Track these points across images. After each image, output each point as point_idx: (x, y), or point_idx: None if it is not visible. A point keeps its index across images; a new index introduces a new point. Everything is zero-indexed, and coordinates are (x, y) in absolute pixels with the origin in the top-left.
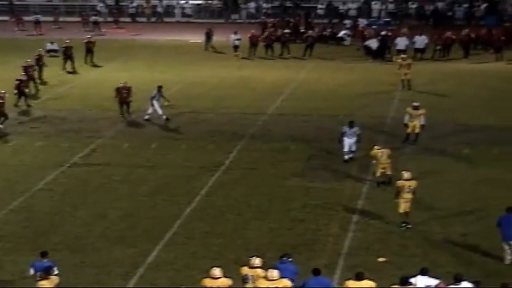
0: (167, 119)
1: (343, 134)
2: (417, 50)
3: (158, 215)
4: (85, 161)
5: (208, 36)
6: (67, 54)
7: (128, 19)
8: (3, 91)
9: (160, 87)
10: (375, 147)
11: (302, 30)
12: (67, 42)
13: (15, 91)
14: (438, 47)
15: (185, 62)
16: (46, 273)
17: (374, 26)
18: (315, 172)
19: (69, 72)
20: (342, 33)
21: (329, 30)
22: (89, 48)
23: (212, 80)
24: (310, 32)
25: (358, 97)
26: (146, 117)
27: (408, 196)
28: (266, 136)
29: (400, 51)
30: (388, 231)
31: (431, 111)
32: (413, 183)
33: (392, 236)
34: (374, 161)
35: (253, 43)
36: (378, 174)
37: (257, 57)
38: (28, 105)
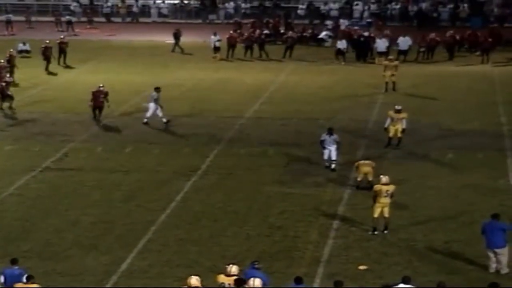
0: (146, 123)
1: (322, 142)
2: (400, 52)
3: (132, 222)
4: (57, 166)
5: (176, 37)
6: (46, 54)
7: (102, 19)
8: None
9: (158, 89)
10: (360, 162)
11: (282, 31)
12: (47, 43)
13: None
14: (422, 49)
15: (161, 63)
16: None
17: (356, 27)
18: (294, 178)
19: (49, 73)
20: (323, 34)
21: (309, 31)
22: (62, 49)
23: (188, 82)
24: (290, 33)
25: (339, 100)
26: (164, 120)
27: (386, 201)
28: (244, 141)
29: (381, 54)
30: (369, 238)
31: (415, 115)
32: (391, 188)
33: (373, 244)
34: (357, 174)
35: (232, 44)
36: (359, 178)
37: (235, 59)
38: (1, 108)
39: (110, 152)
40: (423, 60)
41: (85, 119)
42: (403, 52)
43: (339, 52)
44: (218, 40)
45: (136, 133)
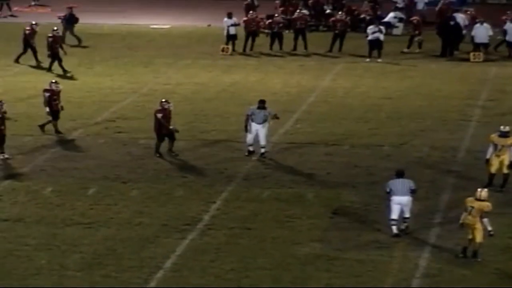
0: (250, 152)
1: (391, 192)
2: (509, 44)
3: None
4: None
5: (68, 20)
6: (54, 48)
7: None
8: None
9: (262, 102)
10: (478, 190)
11: (328, 11)
12: (55, 30)
13: None
14: None
15: (143, 60)
16: None
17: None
18: (344, 235)
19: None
20: (390, 17)
21: (369, 12)
22: None
23: (184, 89)
24: (339, 14)
25: (414, 117)
26: (263, 150)
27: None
28: (268, 178)
29: (479, 45)
30: None
31: None
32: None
33: None
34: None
35: (251, 31)
36: (469, 236)
37: (256, 53)
38: None
39: (65, 194)
40: None
41: (27, 143)
42: None
43: (376, 44)
44: (235, 25)
45: (105, 165)
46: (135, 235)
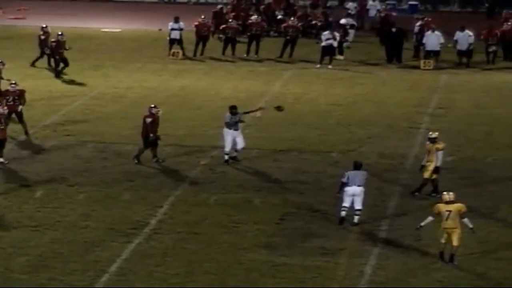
0: (227, 161)
1: (347, 182)
2: (461, 53)
3: None
4: None
5: None
6: (59, 53)
7: None
8: None
9: (233, 108)
10: (445, 194)
11: (280, 17)
12: (60, 35)
13: None
14: (492, 48)
15: (93, 63)
16: None
17: (393, 13)
18: (290, 240)
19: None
20: (342, 23)
21: (321, 18)
22: None
23: (133, 92)
24: (291, 20)
25: (363, 124)
26: (226, 157)
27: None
28: (216, 183)
29: (430, 53)
30: None
31: (479, 149)
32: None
33: None
34: (430, 218)
35: (202, 36)
36: (443, 240)
37: (206, 58)
38: None
39: (12, 196)
40: (492, 65)
41: None
42: (464, 53)
43: (328, 50)
44: (177, 29)
45: (52, 168)
46: (81, 238)
